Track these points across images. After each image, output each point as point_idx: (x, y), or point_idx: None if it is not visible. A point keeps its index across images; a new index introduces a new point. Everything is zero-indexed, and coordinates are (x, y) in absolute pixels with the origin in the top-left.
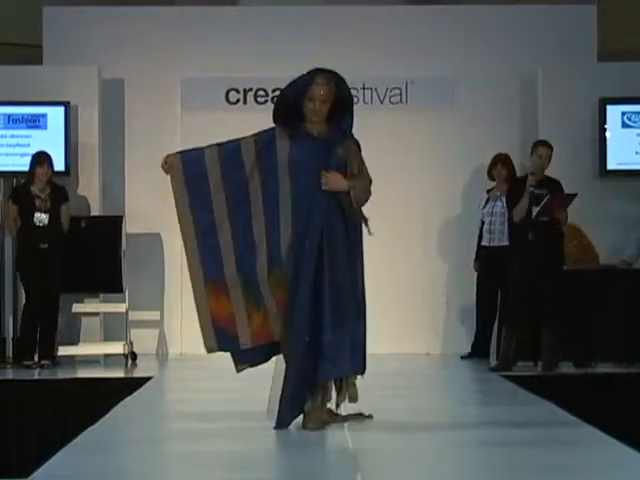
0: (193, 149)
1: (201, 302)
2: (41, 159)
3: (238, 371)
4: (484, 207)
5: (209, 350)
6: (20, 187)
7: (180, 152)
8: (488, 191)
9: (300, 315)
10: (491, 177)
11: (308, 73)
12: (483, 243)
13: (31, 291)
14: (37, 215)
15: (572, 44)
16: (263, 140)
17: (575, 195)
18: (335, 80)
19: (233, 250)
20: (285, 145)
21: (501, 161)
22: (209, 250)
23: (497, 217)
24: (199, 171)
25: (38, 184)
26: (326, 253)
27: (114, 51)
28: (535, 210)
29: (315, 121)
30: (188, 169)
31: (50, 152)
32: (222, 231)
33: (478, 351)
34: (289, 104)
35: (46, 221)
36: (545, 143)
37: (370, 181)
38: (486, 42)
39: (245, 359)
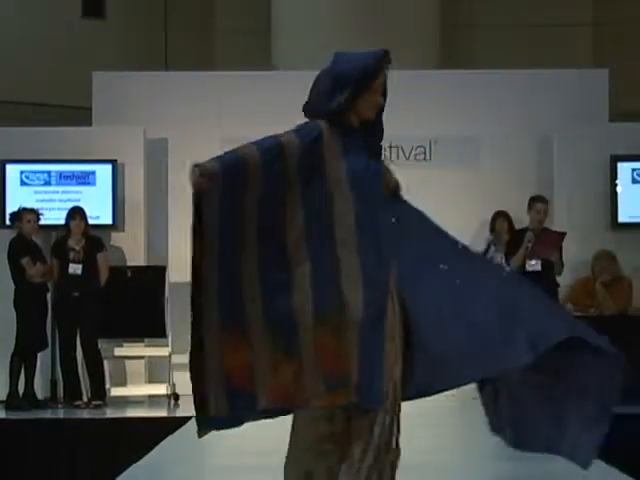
0: (228, 152)
1: (213, 356)
2: (73, 214)
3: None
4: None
5: (208, 423)
6: (58, 241)
7: (216, 157)
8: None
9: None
10: (492, 230)
11: (375, 53)
12: None
13: (62, 336)
14: (71, 266)
15: (585, 105)
16: (307, 136)
17: (564, 234)
18: None
19: (257, 282)
20: (337, 145)
21: (502, 216)
22: (229, 283)
23: None
24: (239, 181)
25: (73, 237)
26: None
27: (158, 112)
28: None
29: (367, 118)
30: (227, 180)
31: (98, 207)
32: (246, 256)
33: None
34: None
35: (79, 271)
36: (541, 199)
37: None
38: (505, 103)
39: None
